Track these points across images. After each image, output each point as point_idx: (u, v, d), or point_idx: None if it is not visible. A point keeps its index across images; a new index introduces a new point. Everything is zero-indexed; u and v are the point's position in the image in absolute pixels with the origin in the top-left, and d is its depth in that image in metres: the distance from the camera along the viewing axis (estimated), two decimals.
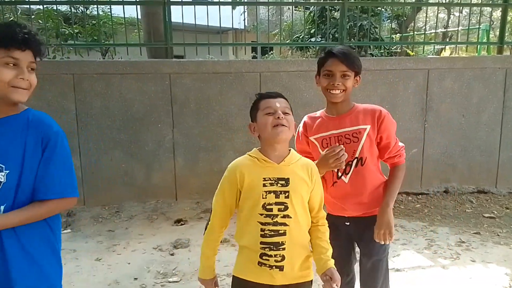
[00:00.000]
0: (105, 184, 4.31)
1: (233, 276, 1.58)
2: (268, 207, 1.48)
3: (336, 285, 1.46)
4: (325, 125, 1.85)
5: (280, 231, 1.48)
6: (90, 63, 4.24)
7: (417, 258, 3.21)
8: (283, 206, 1.48)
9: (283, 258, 1.48)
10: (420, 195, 4.61)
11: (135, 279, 2.91)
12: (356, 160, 1.79)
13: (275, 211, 1.48)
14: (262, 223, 1.48)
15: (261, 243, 1.48)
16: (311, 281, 1.57)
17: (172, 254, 3.30)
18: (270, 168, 1.51)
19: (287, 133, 1.50)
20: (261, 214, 1.48)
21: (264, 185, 1.48)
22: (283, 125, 1.47)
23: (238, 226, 1.57)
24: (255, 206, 1.49)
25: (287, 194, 1.48)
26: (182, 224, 3.92)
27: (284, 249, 1.48)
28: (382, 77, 4.49)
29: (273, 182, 1.49)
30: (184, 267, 3.07)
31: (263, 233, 1.48)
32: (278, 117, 1.47)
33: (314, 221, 1.59)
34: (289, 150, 1.57)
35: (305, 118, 1.94)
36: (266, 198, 1.48)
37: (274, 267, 1.48)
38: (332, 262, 1.52)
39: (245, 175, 1.50)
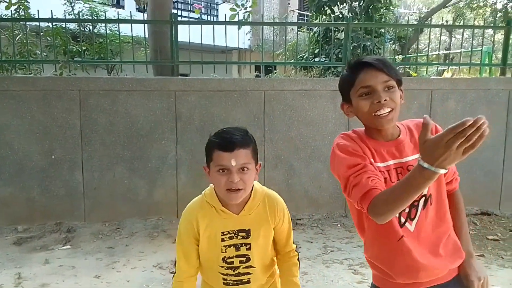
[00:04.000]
0: (107, 200, 4.30)
1: None
2: (228, 260, 1.38)
3: None
4: (378, 151, 1.30)
5: (243, 280, 1.40)
6: (97, 80, 4.29)
7: None
8: (244, 258, 1.38)
9: None
10: None
11: None
12: (424, 199, 1.26)
13: (236, 264, 1.38)
14: (223, 274, 1.40)
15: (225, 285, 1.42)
16: None
17: (172, 273, 3.24)
18: (229, 220, 1.36)
19: (243, 196, 1.30)
20: (222, 267, 1.39)
21: (223, 240, 1.36)
22: (238, 189, 1.27)
23: (200, 262, 1.46)
24: (215, 260, 1.39)
25: (248, 246, 1.37)
26: None
27: None
28: None
29: (233, 235, 1.37)
30: None
31: (225, 281, 1.41)
32: (232, 181, 1.25)
33: (282, 253, 1.47)
34: (251, 192, 1.37)
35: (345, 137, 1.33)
36: (225, 252, 1.37)
37: None
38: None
39: (202, 226, 1.37)
